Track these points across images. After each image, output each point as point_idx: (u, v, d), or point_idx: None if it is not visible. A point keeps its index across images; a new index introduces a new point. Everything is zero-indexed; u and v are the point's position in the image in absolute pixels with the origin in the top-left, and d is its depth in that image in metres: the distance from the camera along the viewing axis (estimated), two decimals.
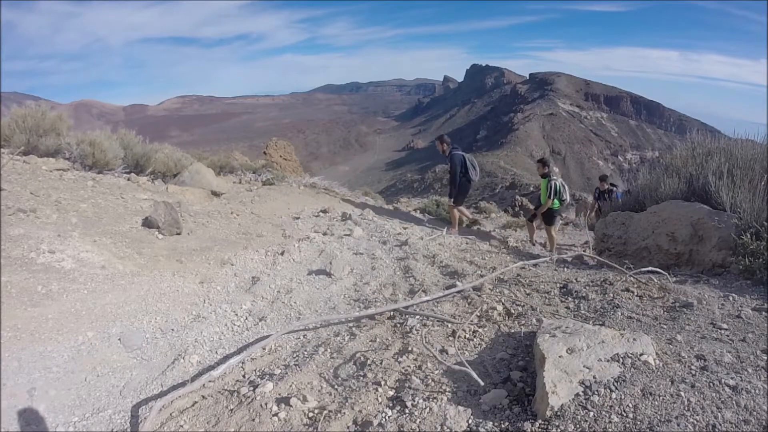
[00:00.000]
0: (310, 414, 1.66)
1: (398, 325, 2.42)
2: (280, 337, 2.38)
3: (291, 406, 1.68)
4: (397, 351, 2.09)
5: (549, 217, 6.50)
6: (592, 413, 1.38)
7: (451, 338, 2.17)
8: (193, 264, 3.28)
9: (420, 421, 1.54)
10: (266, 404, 1.71)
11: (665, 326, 2.11)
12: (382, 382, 1.80)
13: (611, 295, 2.62)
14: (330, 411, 1.65)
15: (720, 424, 1.27)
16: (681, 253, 3.54)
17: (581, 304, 2.55)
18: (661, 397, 1.41)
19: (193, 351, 2.28)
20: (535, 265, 3.70)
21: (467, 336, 2.20)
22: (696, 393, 1.42)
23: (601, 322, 2.19)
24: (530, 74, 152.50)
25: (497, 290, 2.87)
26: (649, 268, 3.05)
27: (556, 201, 6.32)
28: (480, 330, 2.25)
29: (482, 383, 1.68)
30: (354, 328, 2.45)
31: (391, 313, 2.61)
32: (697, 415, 1.31)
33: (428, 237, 4.89)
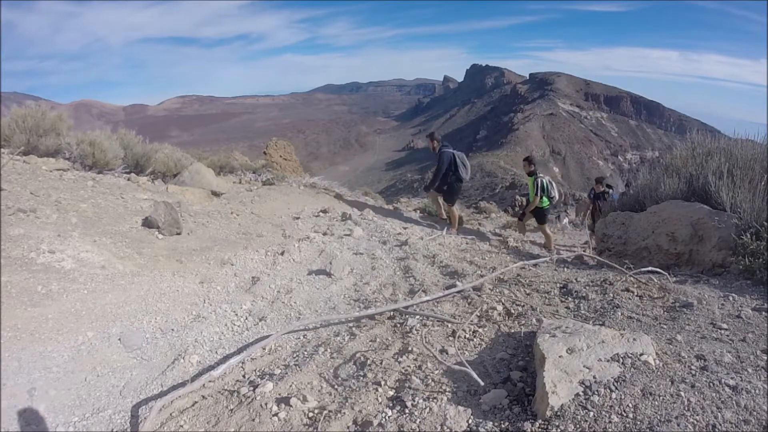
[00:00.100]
0: (310, 414, 1.66)
1: (398, 325, 2.42)
2: (280, 337, 2.38)
3: (291, 406, 1.68)
4: (397, 351, 2.09)
5: (540, 216, 6.51)
6: (592, 413, 1.38)
7: (451, 338, 2.17)
8: (193, 264, 3.28)
9: (420, 421, 1.54)
10: (266, 404, 1.71)
11: (665, 326, 2.11)
12: (382, 382, 1.80)
13: (611, 295, 2.62)
14: (330, 411, 1.65)
15: (720, 424, 1.27)
16: (681, 253, 3.54)
17: (581, 304, 2.55)
18: (661, 397, 1.41)
19: (193, 351, 2.28)
20: (535, 265, 3.70)
21: (467, 336, 2.20)
22: (696, 393, 1.42)
23: (601, 322, 2.19)
24: (530, 74, 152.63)
25: (497, 290, 2.87)
26: (649, 268, 3.05)
27: (545, 199, 6.31)
28: (480, 330, 2.25)
29: (482, 383, 1.68)
30: (354, 328, 2.45)
31: (391, 313, 2.61)
32: (697, 415, 1.31)
33: (428, 237, 4.89)
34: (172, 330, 2.45)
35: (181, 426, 1.67)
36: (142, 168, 6.06)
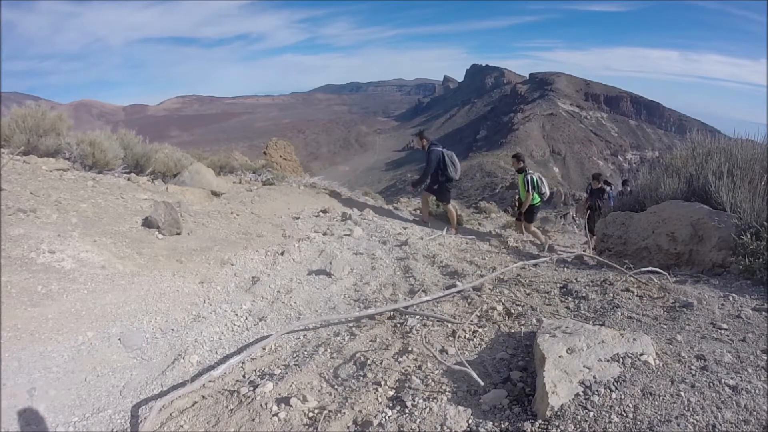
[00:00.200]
0: (310, 414, 1.66)
1: (398, 325, 2.42)
2: (280, 337, 2.38)
3: (291, 406, 1.68)
4: (397, 351, 2.09)
5: (528, 213, 6.49)
6: (592, 413, 1.38)
7: (451, 338, 2.17)
8: (193, 264, 3.28)
9: (420, 421, 1.54)
10: (266, 404, 1.71)
11: (665, 326, 2.11)
12: (382, 382, 1.80)
13: (611, 295, 2.62)
14: (330, 411, 1.65)
15: (720, 424, 1.27)
16: (681, 253, 3.54)
17: (581, 304, 2.55)
18: (661, 397, 1.41)
19: (193, 351, 2.28)
20: (535, 265, 3.70)
21: (467, 336, 2.20)
22: (696, 393, 1.42)
23: (601, 322, 2.19)
24: (530, 74, 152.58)
25: (497, 290, 2.87)
26: (649, 268, 3.05)
27: (535, 195, 6.28)
28: (480, 330, 2.25)
29: (482, 383, 1.68)
30: (354, 328, 2.45)
31: (391, 313, 2.61)
32: (697, 415, 1.31)
33: (428, 237, 4.89)
34: (172, 330, 2.45)
35: (181, 426, 1.67)
36: (142, 168, 6.05)
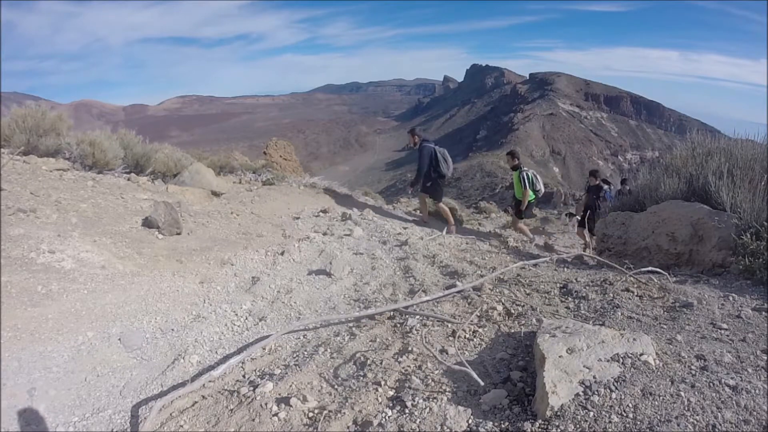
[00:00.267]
0: (310, 414, 1.66)
1: (398, 325, 2.42)
2: (280, 337, 2.38)
3: (291, 406, 1.68)
4: (397, 351, 2.09)
5: (520, 210, 6.53)
6: (592, 413, 1.38)
7: (451, 338, 2.17)
8: (193, 264, 3.28)
9: (420, 421, 1.54)
10: (266, 404, 1.71)
11: (665, 326, 2.11)
12: (382, 382, 1.80)
13: (611, 295, 2.62)
14: (330, 411, 1.65)
15: (720, 424, 1.27)
16: (681, 253, 3.54)
17: (581, 304, 2.55)
18: (661, 397, 1.41)
19: (193, 351, 2.28)
20: (535, 265, 3.70)
21: (467, 336, 2.20)
22: (696, 393, 1.42)
23: (601, 322, 2.19)
24: (530, 74, 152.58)
25: (497, 290, 2.87)
26: (649, 268, 3.05)
27: (530, 192, 6.29)
28: (480, 330, 2.25)
29: (482, 383, 1.68)
30: (354, 328, 2.45)
31: (391, 313, 2.61)
32: (697, 415, 1.31)
33: (428, 237, 4.89)
34: (172, 330, 2.45)
35: (181, 426, 1.67)
36: (142, 168, 6.05)
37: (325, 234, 4.57)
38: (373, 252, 3.99)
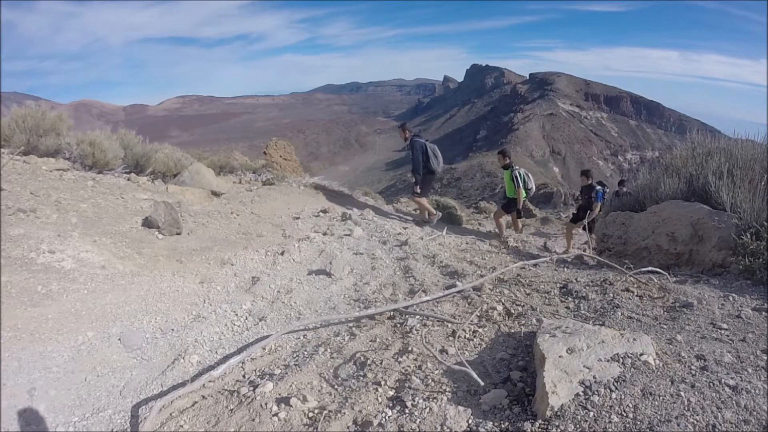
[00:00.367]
0: (310, 414, 1.66)
1: (398, 325, 2.42)
2: (280, 337, 2.38)
3: (291, 406, 1.68)
4: (397, 351, 2.09)
5: (506, 206, 6.56)
6: (592, 413, 1.38)
7: (451, 338, 2.17)
8: (193, 264, 3.28)
9: (420, 421, 1.54)
10: (266, 404, 1.71)
11: (665, 326, 2.11)
12: (382, 382, 1.80)
13: (611, 295, 2.62)
14: (330, 411, 1.65)
15: (720, 424, 1.27)
16: (681, 253, 3.54)
17: (581, 304, 2.55)
18: (661, 397, 1.41)
19: (193, 351, 2.28)
20: (535, 265, 3.70)
21: (467, 336, 2.20)
22: (696, 393, 1.42)
23: (601, 322, 2.19)
24: (530, 74, 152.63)
25: (497, 290, 2.87)
26: (649, 268, 3.05)
27: (522, 191, 6.32)
28: (480, 330, 2.25)
29: (482, 383, 1.68)
30: (354, 328, 2.45)
31: (391, 313, 2.61)
32: (697, 415, 1.31)
33: (428, 237, 4.90)
34: (172, 330, 2.45)
35: (181, 426, 1.67)
36: (142, 168, 6.05)
37: (325, 234, 4.57)
38: (373, 252, 3.99)
